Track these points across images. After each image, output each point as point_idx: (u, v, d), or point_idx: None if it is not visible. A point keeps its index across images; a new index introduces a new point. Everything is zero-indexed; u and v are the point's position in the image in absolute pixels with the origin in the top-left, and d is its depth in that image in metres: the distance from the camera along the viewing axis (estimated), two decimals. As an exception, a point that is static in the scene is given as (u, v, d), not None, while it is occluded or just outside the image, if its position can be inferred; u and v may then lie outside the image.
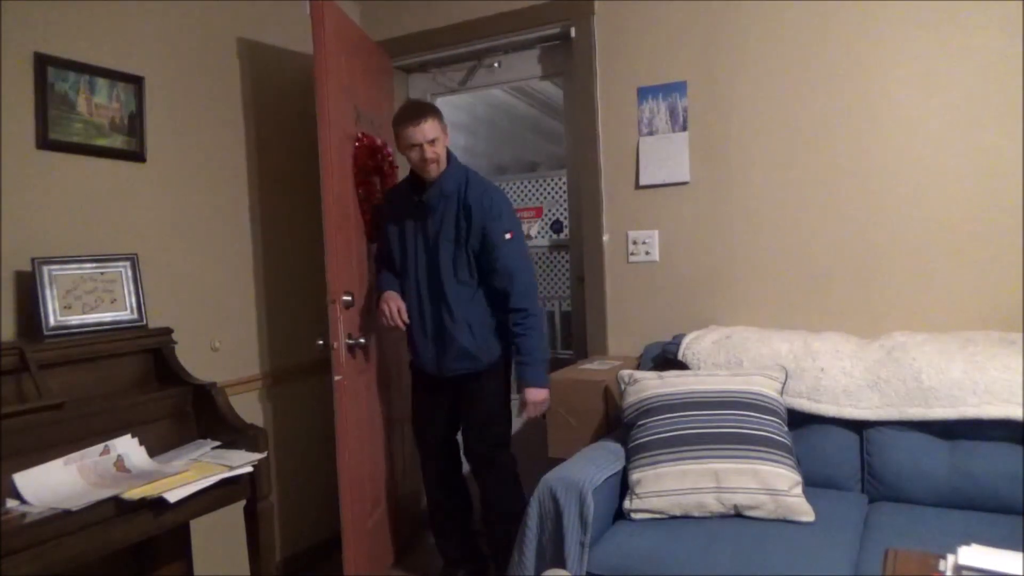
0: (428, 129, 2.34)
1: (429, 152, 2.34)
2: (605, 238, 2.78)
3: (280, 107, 2.88)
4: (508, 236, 2.39)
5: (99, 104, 2.20)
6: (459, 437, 2.67)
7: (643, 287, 2.73)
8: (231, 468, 1.85)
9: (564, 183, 3.73)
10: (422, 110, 2.38)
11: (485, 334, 2.45)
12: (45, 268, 1.95)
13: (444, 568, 2.71)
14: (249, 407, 2.69)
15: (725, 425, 1.98)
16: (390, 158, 2.86)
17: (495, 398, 2.52)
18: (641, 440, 2.03)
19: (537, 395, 2.38)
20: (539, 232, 4.46)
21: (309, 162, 3.01)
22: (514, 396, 2.59)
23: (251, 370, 2.73)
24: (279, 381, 2.84)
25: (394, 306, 2.47)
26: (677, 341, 2.39)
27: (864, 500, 2.05)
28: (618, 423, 2.27)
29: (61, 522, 1.56)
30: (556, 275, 4.52)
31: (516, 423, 2.60)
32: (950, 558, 1.32)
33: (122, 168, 2.29)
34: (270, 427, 2.78)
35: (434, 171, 2.39)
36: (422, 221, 2.46)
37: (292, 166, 2.92)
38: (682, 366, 2.32)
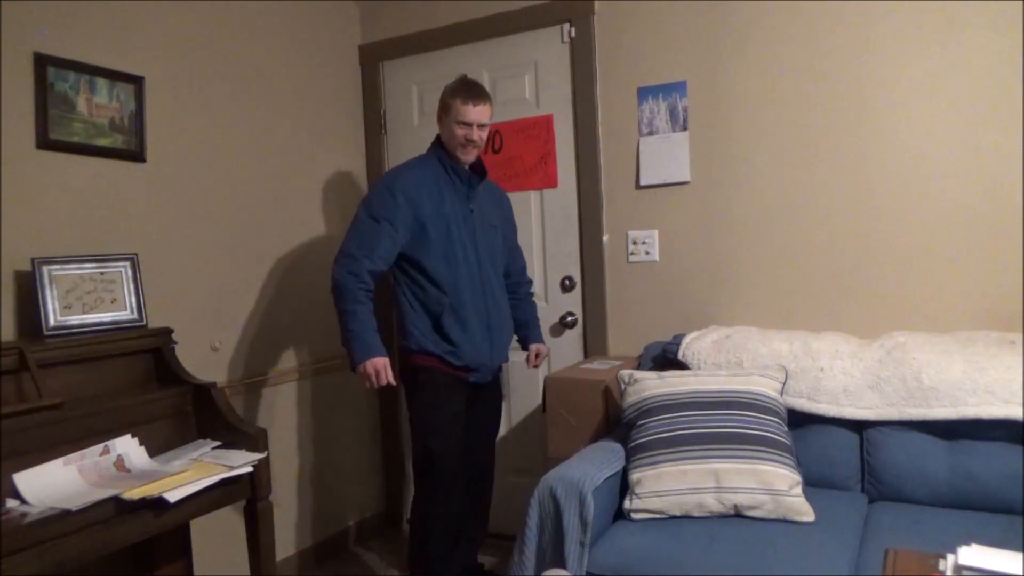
0: (484, 112, 2.32)
1: (476, 135, 2.31)
2: (605, 238, 2.78)
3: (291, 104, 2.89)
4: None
5: (99, 104, 2.20)
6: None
7: (643, 287, 2.73)
8: (231, 468, 1.85)
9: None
10: (483, 92, 2.36)
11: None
12: (45, 268, 1.95)
13: None
14: (250, 406, 2.69)
15: (725, 425, 1.98)
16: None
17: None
18: (641, 440, 2.03)
19: (544, 348, 2.65)
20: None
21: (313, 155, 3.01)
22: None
23: (251, 370, 2.73)
24: (279, 381, 2.84)
25: (381, 368, 2.20)
26: (677, 341, 2.39)
27: (864, 500, 2.05)
28: (618, 423, 2.27)
29: (61, 522, 1.55)
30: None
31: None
32: (950, 558, 1.32)
33: (122, 168, 2.29)
34: (273, 425, 2.78)
35: (472, 156, 2.36)
36: (465, 205, 2.38)
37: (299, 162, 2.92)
38: (682, 366, 2.32)
